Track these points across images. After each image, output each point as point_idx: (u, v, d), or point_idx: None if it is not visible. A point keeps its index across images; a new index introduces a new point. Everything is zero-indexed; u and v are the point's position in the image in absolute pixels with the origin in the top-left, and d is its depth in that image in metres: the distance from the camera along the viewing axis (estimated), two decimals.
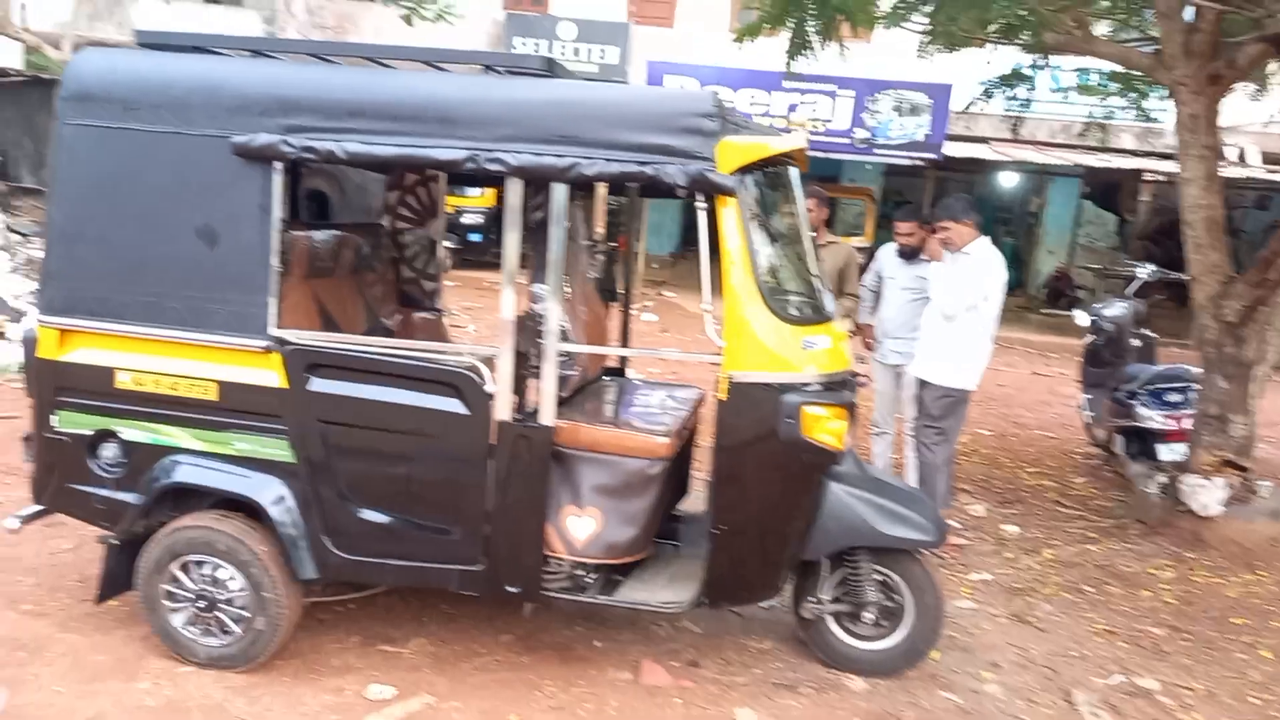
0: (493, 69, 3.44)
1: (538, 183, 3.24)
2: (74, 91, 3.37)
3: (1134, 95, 7.81)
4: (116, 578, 3.59)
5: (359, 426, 3.39)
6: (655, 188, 3.28)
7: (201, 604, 3.46)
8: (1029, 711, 3.73)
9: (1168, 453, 6.03)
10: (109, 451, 3.50)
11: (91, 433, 3.49)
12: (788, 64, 6.55)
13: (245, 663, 3.49)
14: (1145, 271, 7.35)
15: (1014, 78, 7.65)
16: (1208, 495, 5.43)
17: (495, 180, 3.82)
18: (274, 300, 3.31)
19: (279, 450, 3.39)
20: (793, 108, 14.64)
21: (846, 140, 14.78)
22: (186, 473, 3.43)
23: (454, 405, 3.32)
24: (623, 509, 3.47)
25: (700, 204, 3.19)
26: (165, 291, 3.37)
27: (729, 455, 3.32)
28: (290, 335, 3.36)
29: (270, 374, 3.35)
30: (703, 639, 4.07)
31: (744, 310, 3.22)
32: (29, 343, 3.52)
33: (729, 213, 3.19)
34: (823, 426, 3.27)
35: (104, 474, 3.51)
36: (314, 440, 3.37)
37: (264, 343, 3.32)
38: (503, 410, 3.30)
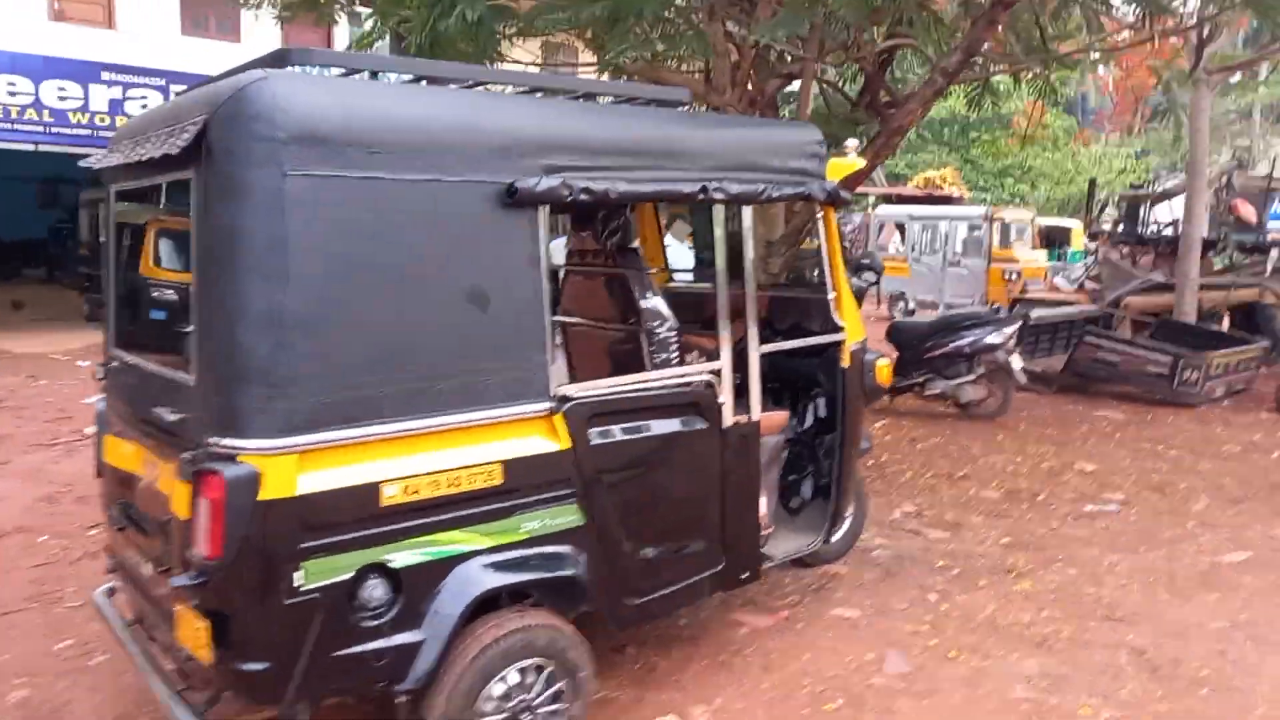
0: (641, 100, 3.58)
1: (739, 206, 3.59)
2: (297, 132, 2.50)
3: None
4: None
5: (633, 467, 3.31)
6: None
7: (525, 716, 3.00)
8: (894, 540, 5.41)
9: None
10: (377, 591, 2.71)
11: (354, 575, 2.67)
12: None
13: None
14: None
15: None
16: None
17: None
18: (550, 357, 3.04)
19: (568, 517, 3.10)
20: (117, 104, 13.05)
21: None
22: (488, 577, 2.89)
23: (697, 422, 3.49)
24: (772, 480, 4.04)
25: (819, 214, 3.95)
26: (437, 372, 2.79)
27: (853, 409, 4.16)
28: (572, 390, 3.10)
29: (552, 438, 3.06)
30: None
31: (848, 294, 4.10)
32: (238, 489, 2.47)
33: (832, 220, 4.01)
34: (885, 373, 4.35)
35: (375, 621, 2.71)
36: (601, 495, 3.18)
37: (548, 405, 3.02)
38: (728, 416, 3.60)
